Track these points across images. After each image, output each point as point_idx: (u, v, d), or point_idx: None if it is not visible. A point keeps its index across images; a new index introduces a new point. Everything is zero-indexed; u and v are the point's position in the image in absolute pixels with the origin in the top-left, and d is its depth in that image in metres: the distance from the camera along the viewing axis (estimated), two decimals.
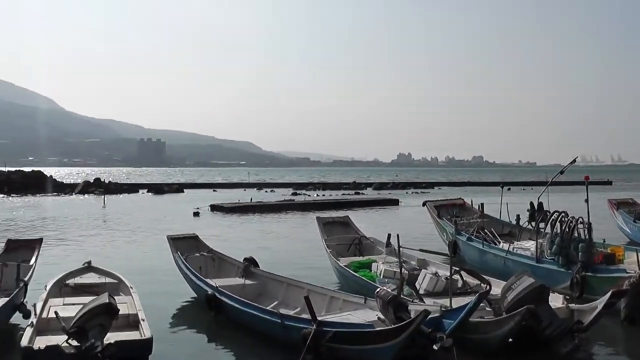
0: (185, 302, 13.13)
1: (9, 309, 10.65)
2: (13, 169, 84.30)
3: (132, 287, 11.34)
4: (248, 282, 12.60)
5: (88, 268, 13.28)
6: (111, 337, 8.04)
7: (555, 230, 13.60)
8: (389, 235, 15.42)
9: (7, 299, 10.60)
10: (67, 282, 12.31)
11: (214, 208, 41.07)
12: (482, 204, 19.78)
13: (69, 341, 7.62)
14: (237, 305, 10.65)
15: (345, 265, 13.85)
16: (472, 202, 21.25)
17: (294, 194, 63.57)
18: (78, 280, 12.49)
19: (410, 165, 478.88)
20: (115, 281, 12.25)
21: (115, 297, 10.71)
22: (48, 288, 11.48)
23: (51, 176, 76.50)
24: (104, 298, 8.04)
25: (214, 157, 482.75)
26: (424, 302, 9.97)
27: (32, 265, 12.94)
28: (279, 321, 9.40)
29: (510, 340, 8.91)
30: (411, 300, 9.96)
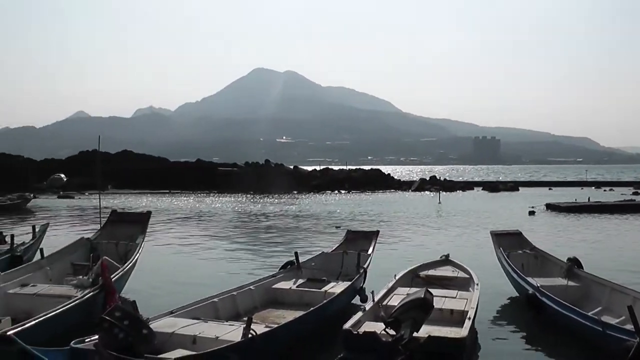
0: (507, 299, 13.09)
1: (350, 293, 11.73)
2: (354, 167, 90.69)
3: (477, 284, 11.38)
4: (571, 283, 12.07)
5: (445, 261, 13.73)
6: (433, 331, 8.17)
7: None
8: None
9: (349, 283, 11.79)
10: (420, 273, 12.74)
11: (550, 207, 40.17)
12: None
13: (387, 330, 7.80)
14: (557, 307, 10.27)
15: None
16: None
17: (635, 193, 59.07)
18: (432, 272, 12.88)
19: None
20: (467, 276, 12.37)
21: (459, 292, 11.08)
22: (398, 277, 11.99)
23: (389, 174, 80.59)
24: (421, 293, 8.14)
25: (549, 154, 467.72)
26: None
27: (370, 254, 13.92)
28: (600, 329, 8.84)
29: None
30: None
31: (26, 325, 8.31)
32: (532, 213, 36.45)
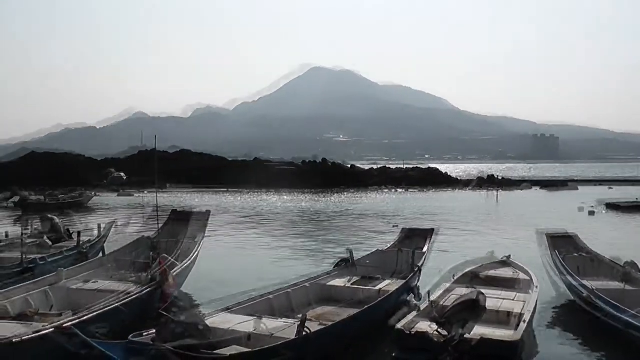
0: (563, 302, 12.88)
1: (404, 291, 11.76)
2: (411, 165, 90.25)
3: (537, 287, 11.19)
4: (628, 287, 11.63)
5: (506, 262, 13.55)
6: (486, 333, 8.05)
7: None
8: None
9: (404, 281, 11.82)
10: (480, 273, 12.53)
11: (610, 206, 39.27)
12: None
13: (439, 330, 7.74)
14: (612, 311, 10.02)
15: None
16: None
17: None
18: (492, 272, 12.71)
19: None
20: (527, 278, 12.13)
21: (517, 294, 10.92)
22: (457, 277, 11.92)
23: (446, 172, 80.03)
24: (473, 294, 8.09)
25: (609, 152, 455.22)
26: None
27: (425, 252, 13.94)
28: None
29: None
30: None
31: (85, 319, 8.64)
32: (591, 213, 35.64)
